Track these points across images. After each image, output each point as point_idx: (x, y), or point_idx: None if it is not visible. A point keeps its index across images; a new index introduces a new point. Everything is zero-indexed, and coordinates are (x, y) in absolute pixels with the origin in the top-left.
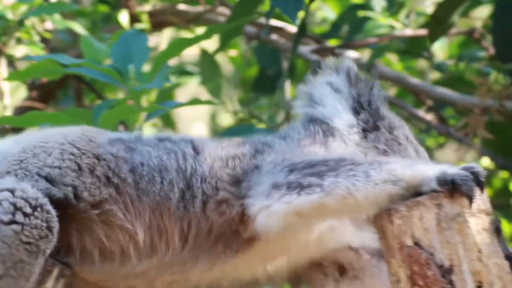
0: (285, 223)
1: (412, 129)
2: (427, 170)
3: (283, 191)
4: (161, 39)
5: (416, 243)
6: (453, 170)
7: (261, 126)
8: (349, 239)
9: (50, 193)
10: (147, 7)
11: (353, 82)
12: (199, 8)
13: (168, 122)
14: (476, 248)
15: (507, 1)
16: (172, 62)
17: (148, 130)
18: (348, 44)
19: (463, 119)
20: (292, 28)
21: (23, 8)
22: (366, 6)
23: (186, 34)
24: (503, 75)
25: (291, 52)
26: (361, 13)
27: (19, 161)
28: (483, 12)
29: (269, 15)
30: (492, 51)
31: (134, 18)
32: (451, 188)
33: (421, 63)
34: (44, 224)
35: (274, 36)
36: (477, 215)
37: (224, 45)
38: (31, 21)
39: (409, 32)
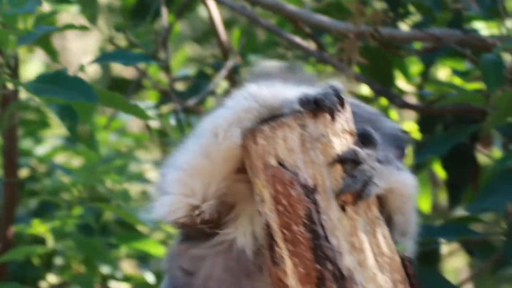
0: None
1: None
2: (289, 93)
3: None
4: None
5: (280, 163)
6: (315, 90)
7: (137, 51)
8: None
9: None
10: None
11: None
12: None
13: (49, 51)
14: (340, 168)
15: None
16: None
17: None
18: None
19: (338, 44)
20: None
21: None
22: None
23: None
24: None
25: None
26: None
27: None
28: None
29: None
30: None
31: None
32: (314, 108)
33: None
34: None
35: None
36: (341, 135)
37: None
38: None
39: None
